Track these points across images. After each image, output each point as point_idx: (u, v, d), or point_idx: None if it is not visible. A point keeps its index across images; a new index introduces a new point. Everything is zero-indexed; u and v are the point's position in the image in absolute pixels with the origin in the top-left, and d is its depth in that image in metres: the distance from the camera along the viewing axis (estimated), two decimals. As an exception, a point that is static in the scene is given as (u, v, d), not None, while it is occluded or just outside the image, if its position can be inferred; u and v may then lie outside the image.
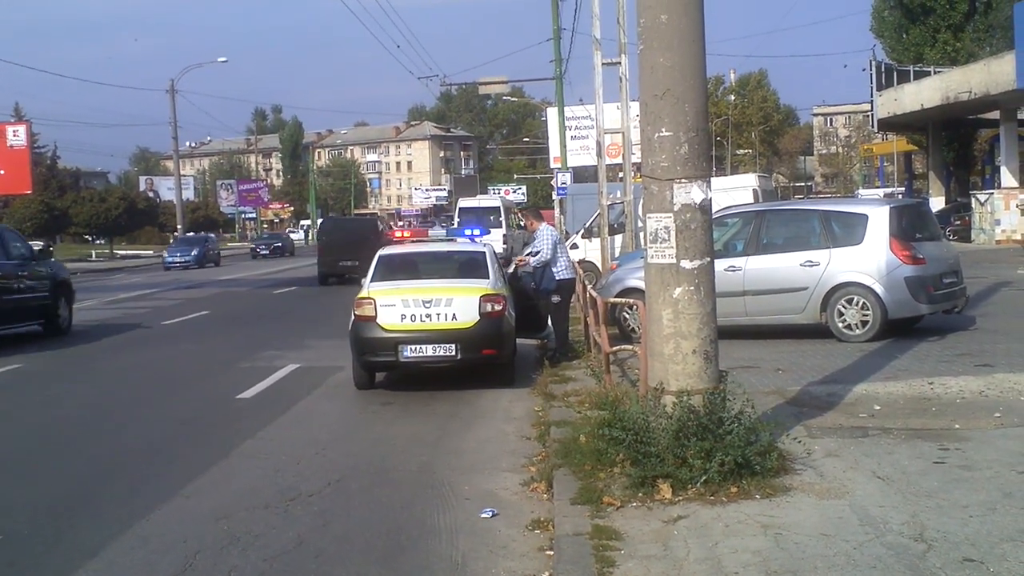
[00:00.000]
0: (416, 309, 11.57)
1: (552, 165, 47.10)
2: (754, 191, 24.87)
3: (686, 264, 7.22)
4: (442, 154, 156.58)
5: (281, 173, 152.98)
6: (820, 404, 9.21)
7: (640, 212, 18.01)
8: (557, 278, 13.50)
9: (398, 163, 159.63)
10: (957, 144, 47.87)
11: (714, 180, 10.88)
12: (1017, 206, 35.20)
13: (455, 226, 38.49)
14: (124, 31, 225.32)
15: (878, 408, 8.99)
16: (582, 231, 26.11)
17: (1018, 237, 34.69)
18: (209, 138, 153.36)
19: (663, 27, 7.21)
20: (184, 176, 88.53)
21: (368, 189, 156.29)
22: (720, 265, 10.80)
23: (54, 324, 19.24)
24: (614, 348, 10.57)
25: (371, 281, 12.37)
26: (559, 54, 37.97)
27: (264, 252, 63.32)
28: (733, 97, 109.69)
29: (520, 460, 8.43)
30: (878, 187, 75.79)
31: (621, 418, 7.17)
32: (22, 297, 18.17)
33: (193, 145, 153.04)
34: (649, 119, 7.32)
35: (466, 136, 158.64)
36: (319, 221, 57.47)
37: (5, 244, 18.22)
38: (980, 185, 46.14)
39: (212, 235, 63.93)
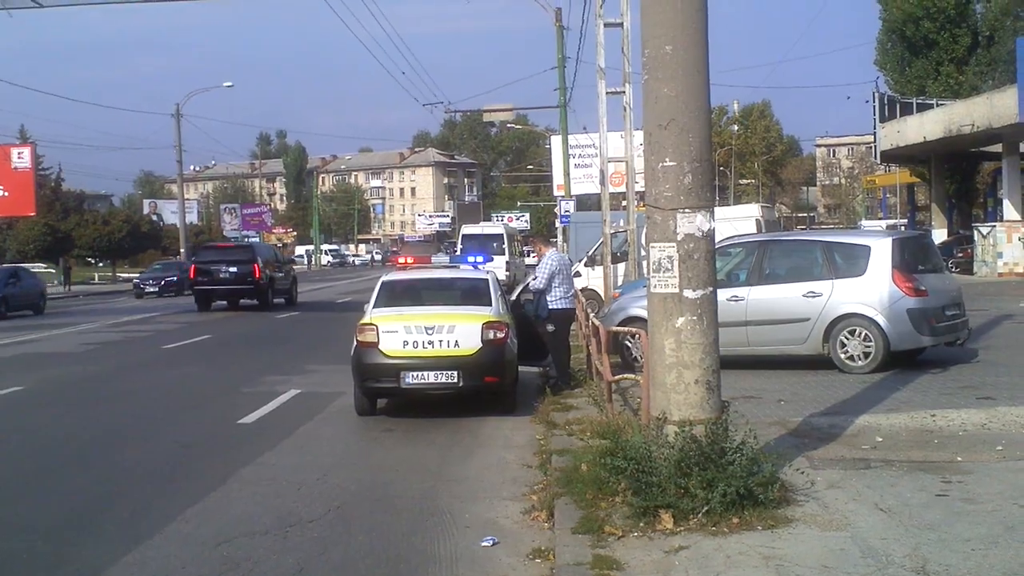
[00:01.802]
0: (418, 336, 11.58)
1: (556, 193, 47.35)
2: (757, 221, 24.89)
3: (689, 293, 7.23)
4: (446, 180, 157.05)
5: (285, 198, 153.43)
6: (822, 435, 9.20)
7: (643, 241, 18.04)
8: (551, 307, 13.50)
9: (402, 189, 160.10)
10: (960, 176, 47.96)
11: (717, 210, 10.94)
12: (1019, 239, 35.23)
13: (458, 253, 38.55)
14: (131, 52, 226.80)
15: (880, 440, 8.97)
16: (585, 259, 26.14)
17: (1020, 270, 34.71)
18: (214, 162, 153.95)
19: (667, 57, 7.26)
20: (188, 200, 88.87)
21: (372, 215, 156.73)
22: (723, 295, 10.80)
23: None
24: (616, 377, 10.56)
25: (374, 307, 12.40)
26: (563, 82, 38.21)
27: (152, 290, 48.15)
28: (736, 127, 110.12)
29: (521, 488, 8.42)
30: (881, 219, 75.94)
31: (623, 447, 7.16)
32: None
33: (197, 169, 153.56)
34: (653, 148, 7.36)
35: (470, 163, 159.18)
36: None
37: None
38: (983, 218, 46.22)
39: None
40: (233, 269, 32.79)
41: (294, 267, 42.85)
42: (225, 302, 33.71)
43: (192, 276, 33.41)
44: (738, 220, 24.31)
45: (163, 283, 49.08)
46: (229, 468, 9.41)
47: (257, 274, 32.73)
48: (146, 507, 8.09)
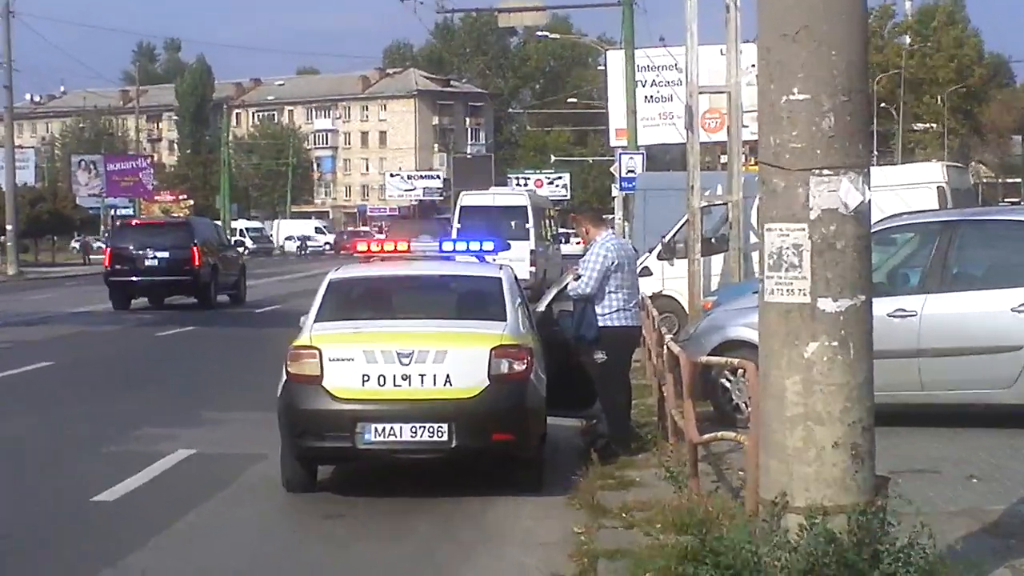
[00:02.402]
0: (387, 367, 11.59)
1: (613, 142, 47.37)
2: (939, 189, 24.81)
3: (827, 305, 7.24)
4: (436, 121, 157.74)
5: (176, 146, 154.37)
6: (1040, 535, 9.18)
7: (755, 220, 18.04)
8: (601, 324, 13.50)
9: (365, 134, 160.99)
10: None
11: (876, 172, 10.81)
12: None
13: (453, 235, 38.63)
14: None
15: None
16: (659, 248, 26.18)
17: None
18: (63, 88, 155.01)
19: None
20: (21, 148, 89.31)
21: (316, 174, 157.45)
22: (882, 307, 10.75)
23: None
24: (706, 437, 10.54)
25: (316, 320, 12.42)
26: (628, -37, 38.30)
27: None
28: (908, 39, 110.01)
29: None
30: None
31: (715, 548, 7.17)
32: None
33: (37, 100, 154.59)
34: (773, 73, 7.37)
35: (475, 93, 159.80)
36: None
37: None
38: None
39: None
40: (163, 254, 36.62)
41: (243, 252, 47.69)
42: (147, 298, 37.80)
43: (107, 264, 37.54)
44: (909, 188, 24.24)
45: None
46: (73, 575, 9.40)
47: (196, 261, 36.55)
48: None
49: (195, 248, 36.99)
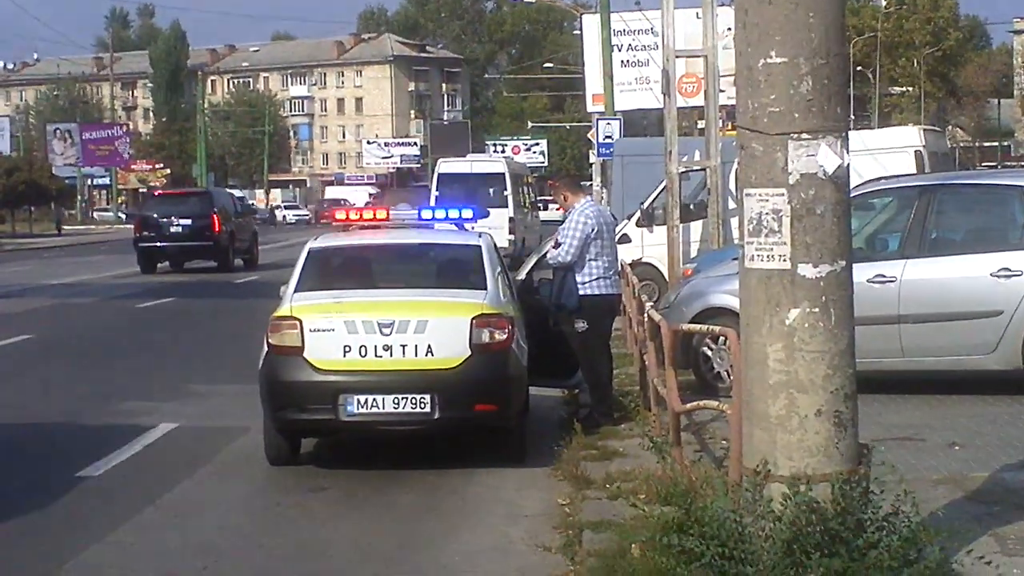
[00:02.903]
0: (368, 337, 11.58)
1: (590, 107, 47.25)
2: (917, 153, 24.85)
3: (807, 271, 7.23)
4: (412, 87, 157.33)
5: (152, 114, 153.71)
6: (1020, 501, 9.20)
7: (733, 186, 18.00)
8: (581, 292, 13.47)
9: (341, 100, 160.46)
10: None
11: (854, 135, 10.81)
12: None
13: (431, 203, 38.60)
14: None
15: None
16: (637, 215, 26.15)
17: None
18: (36, 56, 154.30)
19: None
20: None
21: (293, 141, 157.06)
22: (862, 273, 10.73)
23: None
24: (689, 405, 10.51)
25: (295, 290, 12.39)
26: (604, -72, 38.15)
27: None
28: (884, 2, 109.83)
29: (534, 586, 8.44)
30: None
31: (699, 518, 7.17)
32: None
33: (11, 67, 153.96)
34: (750, 36, 7.33)
35: (451, 58, 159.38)
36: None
37: None
38: None
39: None
40: (186, 222, 40.75)
41: (255, 218, 52.97)
42: (168, 263, 41.72)
43: (136, 231, 41.49)
44: (887, 152, 24.28)
45: None
46: (56, 553, 9.38)
47: (216, 227, 40.69)
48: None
49: (215, 216, 40.85)
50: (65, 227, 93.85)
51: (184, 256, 41.62)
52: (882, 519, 6.93)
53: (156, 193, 52.22)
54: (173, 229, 40.75)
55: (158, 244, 41.06)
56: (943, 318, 13.57)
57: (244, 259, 43.85)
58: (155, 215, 41.74)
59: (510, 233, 38.62)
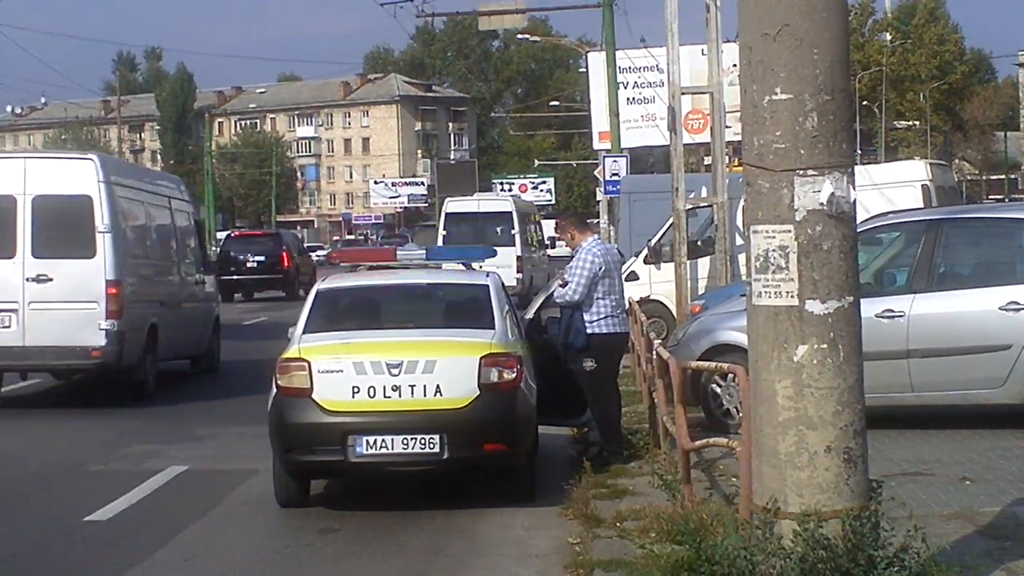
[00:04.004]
0: (377, 378, 11.58)
1: (596, 144, 47.33)
2: (924, 187, 24.88)
3: (815, 307, 7.24)
4: (419, 126, 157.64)
5: (160, 156, 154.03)
6: (1033, 536, 9.20)
7: (740, 222, 18.01)
8: (589, 331, 13.47)
9: (348, 141, 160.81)
10: None
11: (860, 170, 10.85)
12: None
13: (439, 243, 38.66)
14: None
15: None
16: (645, 252, 26.16)
17: None
18: (44, 100, 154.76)
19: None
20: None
21: (300, 181, 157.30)
22: (870, 308, 10.75)
23: None
24: (698, 443, 10.52)
25: (304, 331, 12.40)
26: (608, -34, 38.26)
27: None
28: (889, 36, 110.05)
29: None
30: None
31: (710, 556, 7.19)
32: None
33: (19, 112, 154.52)
34: (755, 73, 7.38)
35: (457, 97, 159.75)
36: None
37: None
38: None
39: None
40: (260, 258, 47.94)
41: (312, 257, 61.25)
42: (240, 294, 47.63)
43: (218, 267, 43.07)
44: (893, 187, 24.33)
45: None
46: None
47: (286, 263, 47.82)
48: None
49: (284, 253, 48.52)
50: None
51: (258, 287, 48.60)
52: (893, 555, 6.93)
53: (233, 234, 58.19)
54: (249, 264, 47.73)
55: (235, 277, 46.80)
56: (952, 352, 13.58)
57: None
58: (232, 252, 48.59)
59: (518, 272, 38.59)
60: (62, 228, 19.00)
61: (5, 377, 20.43)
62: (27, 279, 18.73)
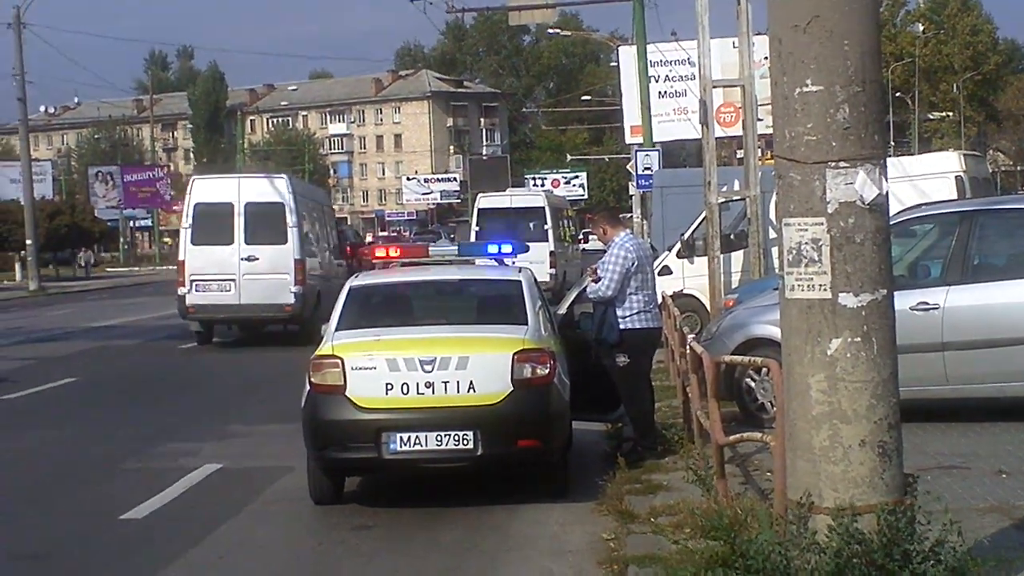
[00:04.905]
0: (410, 375, 11.60)
1: (629, 139, 47.25)
2: (958, 179, 24.77)
3: (848, 300, 7.22)
4: (450, 122, 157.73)
5: (192, 154, 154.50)
6: (1071, 529, 9.15)
7: (773, 215, 17.99)
8: (622, 326, 13.47)
9: (380, 137, 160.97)
10: None
11: (893, 162, 10.83)
12: None
13: (472, 239, 38.72)
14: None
15: None
16: (678, 246, 26.13)
17: None
18: (77, 100, 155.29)
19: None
20: (38, 161, 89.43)
21: (332, 179, 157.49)
22: (904, 301, 10.72)
23: None
24: (732, 438, 10.51)
25: (337, 328, 12.44)
26: (639, -40, 38.22)
27: None
28: (922, 27, 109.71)
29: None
30: None
31: (744, 552, 7.16)
32: None
33: (52, 112, 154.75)
34: (785, 65, 7.35)
35: (489, 93, 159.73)
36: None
37: None
38: None
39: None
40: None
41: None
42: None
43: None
44: (926, 178, 24.22)
45: None
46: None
47: (348, 253, 45.02)
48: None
49: (348, 247, 44.32)
50: (109, 269, 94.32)
51: None
52: (928, 550, 6.90)
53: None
54: None
55: None
56: (987, 344, 13.52)
57: None
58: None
59: (551, 267, 38.64)
60: (264, 224, 28.38)
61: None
62: (241, 259, 28.17)
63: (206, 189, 29.58)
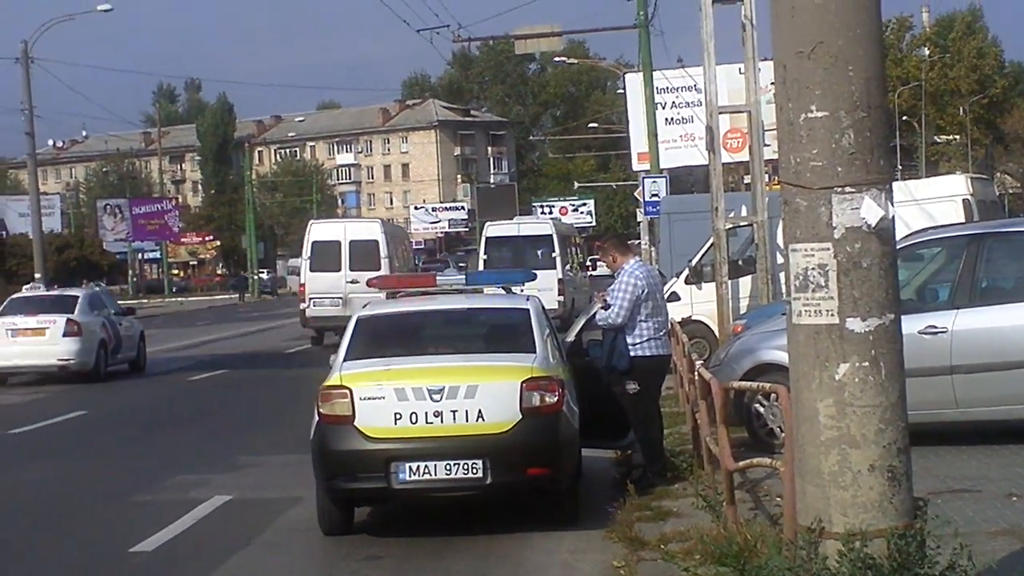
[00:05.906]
0: (419, 404, 11.59)
1: (636, 166, 47.25)
2: (965, 202, 24.76)
3: (856, 324, 7.22)
4: (458, 151, 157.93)
5: (201, 186, 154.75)
6: (1084, 553, 9.11)
7: (781, 241, 18.07)
8: (632, 354, 13.45)
9: (387, 167, 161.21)
10: None
11: (899, 186, 10.83)
12: None
13: (480, 267, 38.76)
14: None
15: None
16: (686, 272, 26.13)
17: None
18: (85, 133, 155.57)
19: (810, -58, 7.28)
20: (46, 195, 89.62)
21: (341, 208, 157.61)
22: (912, 325, 10.72)
23: None
24: (741, 464, 10.50)
25: (345, 359, 12.43)
26: (644, -12, 38.25)
27: None
28: (928, 51, 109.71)
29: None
30: None
31: (755, 578, 7.13)
32: None
33: (60, 145, 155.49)
34: (791, 91, 7.36)
35: (496, 121, 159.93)
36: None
37: None
38: None
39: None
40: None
41: None
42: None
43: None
44: (934, 202, 24.23)
45: None
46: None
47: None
48: None
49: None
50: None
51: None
52: (939, 574, 6.89)
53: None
54: None
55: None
56: (996, 368, 13.49)
57: None
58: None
59: (559, 295, 38.63)
60: (364, 255, 36.97)
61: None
62: (347, 281, 36.42)
63: (321, 230, 39.98)
